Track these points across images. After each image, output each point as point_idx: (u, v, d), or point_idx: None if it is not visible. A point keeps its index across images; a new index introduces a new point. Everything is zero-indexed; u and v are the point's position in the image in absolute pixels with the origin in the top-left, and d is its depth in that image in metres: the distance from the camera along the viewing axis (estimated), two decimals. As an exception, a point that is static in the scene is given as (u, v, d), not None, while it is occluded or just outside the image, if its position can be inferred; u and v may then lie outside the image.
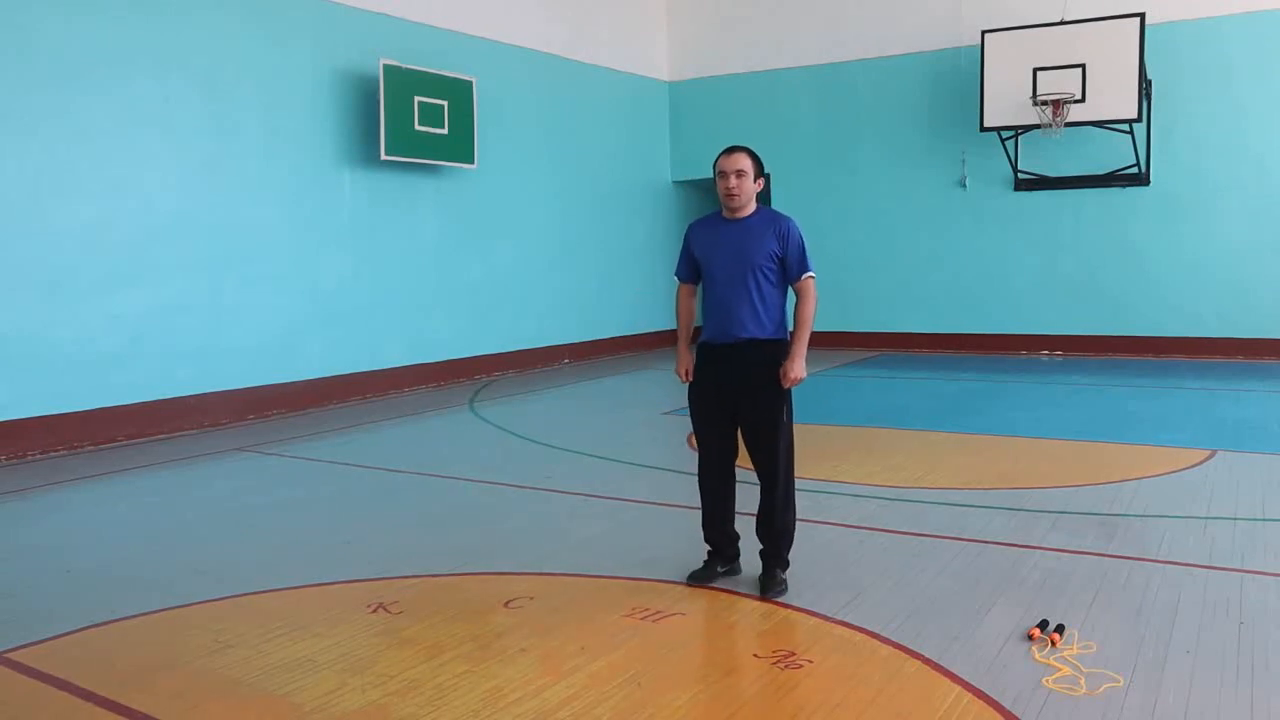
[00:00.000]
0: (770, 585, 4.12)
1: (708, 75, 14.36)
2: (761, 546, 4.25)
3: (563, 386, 10.79)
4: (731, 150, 4.17)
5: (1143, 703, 3.08)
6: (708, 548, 4.38)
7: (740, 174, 4.11)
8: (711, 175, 4.25)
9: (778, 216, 4.21)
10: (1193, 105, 11.43)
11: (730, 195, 4.13)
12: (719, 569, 4.33)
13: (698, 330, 4.37)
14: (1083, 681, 3.22)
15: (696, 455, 4.38)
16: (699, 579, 4.28)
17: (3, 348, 7.21)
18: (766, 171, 4.38)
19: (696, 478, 4.39)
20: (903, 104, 13.02)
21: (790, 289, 4.23)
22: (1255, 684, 3.21)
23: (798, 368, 4.07)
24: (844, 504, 5.49)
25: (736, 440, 4.28)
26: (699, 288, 4.38)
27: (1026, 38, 11.56)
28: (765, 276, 4.11)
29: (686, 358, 4.33)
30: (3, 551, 5.12)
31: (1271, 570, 4.29)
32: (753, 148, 4.25)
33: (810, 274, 4.19)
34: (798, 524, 4.31)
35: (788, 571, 4.23)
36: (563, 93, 12.51)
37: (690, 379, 4.29)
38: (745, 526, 4.36)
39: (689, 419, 4.36)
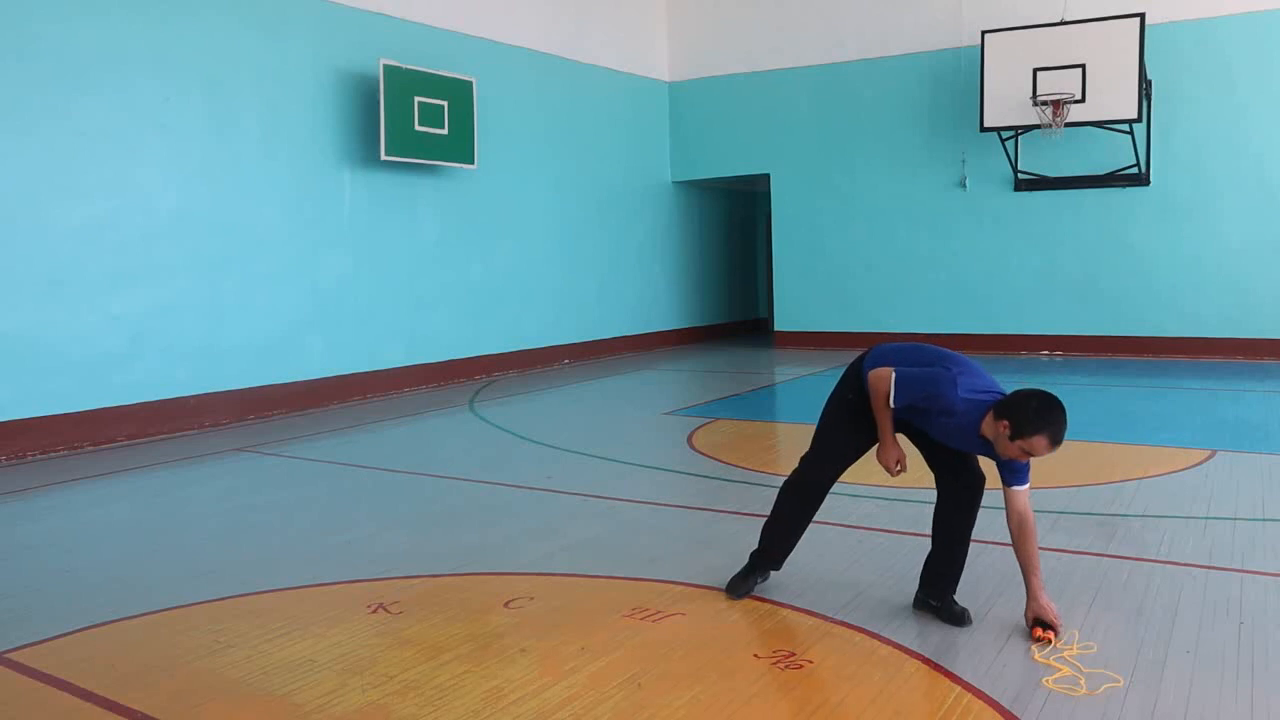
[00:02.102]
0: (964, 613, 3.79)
1: (708, 75, 14.36)
2: (946, 579, 3.89)
3: (563, 387, 10.79)
4: (1064, 438, 3.46)
5: (1143, 703, 3.08)
6: (758, 555, 4.13)
7: None
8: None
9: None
10: (1193, 105, 11.43)
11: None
12: (760, 579, 4.16)
13: None
14: (1083, 681, 3.22)
15: (801, 474, 4.07)
16: (743, 592, 4.08)
17: (3, 348, 7.21)
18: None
19: (794, 492, 4.07)
20: (903, 104, 13.02)
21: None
22: (1255, 684, 3.20)
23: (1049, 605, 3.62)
24: (844, 504, 5.48)
25: None
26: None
27: (1026, 38, 11.56)
28: None
29: (899, 448, 3.87)
30: (3, 551, 5.12)
31: (1271, 570, 4.28)
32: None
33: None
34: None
35: None
36: (563, 93, 12.51)
37: (904, 469, 3.85)
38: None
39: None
